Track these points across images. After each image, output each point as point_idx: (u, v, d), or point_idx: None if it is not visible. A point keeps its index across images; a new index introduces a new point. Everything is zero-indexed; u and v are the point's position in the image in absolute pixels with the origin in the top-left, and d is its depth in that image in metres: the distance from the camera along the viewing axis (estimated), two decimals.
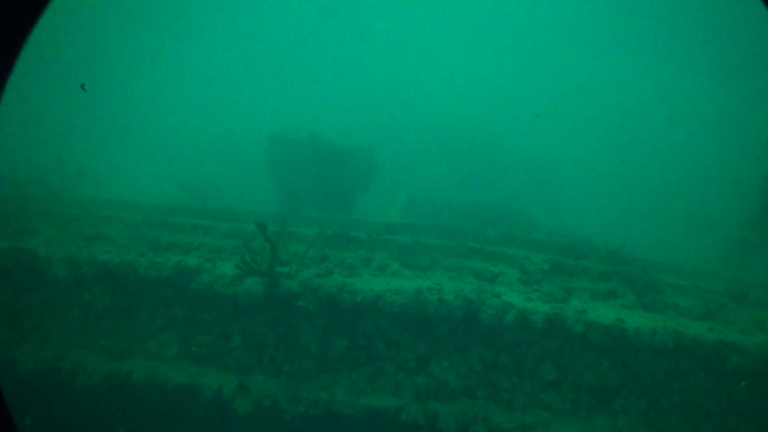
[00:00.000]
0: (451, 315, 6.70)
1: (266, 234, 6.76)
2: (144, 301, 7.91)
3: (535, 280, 7.52)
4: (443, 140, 16.69)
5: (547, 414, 6.84)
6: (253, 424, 7.15)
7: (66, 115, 25.38)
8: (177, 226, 9.86)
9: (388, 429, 6.79)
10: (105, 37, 38.00)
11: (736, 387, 6.82)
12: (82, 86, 27.35)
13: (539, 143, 18.46)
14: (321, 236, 8.40)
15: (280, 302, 7.22)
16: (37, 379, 7.50)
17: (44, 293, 7.90)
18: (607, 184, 15.93)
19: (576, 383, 6.87)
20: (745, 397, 6.89)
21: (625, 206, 13.85)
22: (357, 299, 6.84)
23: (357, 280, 7.22)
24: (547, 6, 41.08)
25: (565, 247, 8.58)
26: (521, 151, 16.65)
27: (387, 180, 13.81)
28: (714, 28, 34.02)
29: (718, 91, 29.83)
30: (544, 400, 6.90)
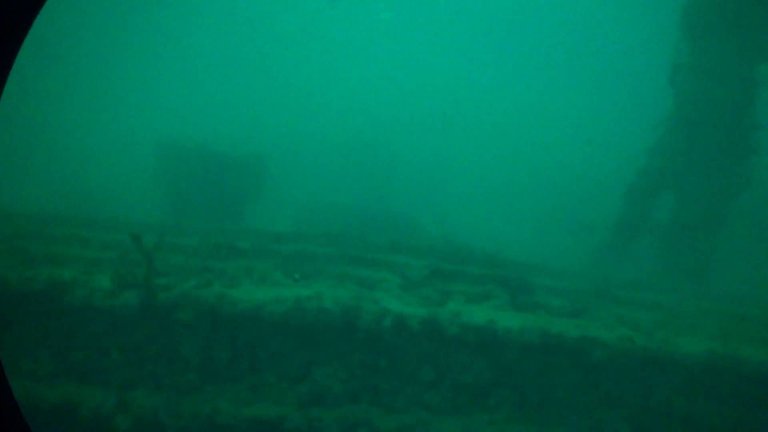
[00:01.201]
0: (330, 322, 6.81)
1: (141, 245, 6.62)
2: (15, 318, 7.52)
3: (414, 285, 7.77)
4: (337, 146, 16.89)
5: (427, 414, 7.08)
6: None
7: None
8: (53, 237, 9.43)
9: None
10: None
11: (600, 378, 7.33)
12: None
13: (432, 149, 18.99)
14: (203, 246, 8.31)
15: (159, 315, 7.08)
16: None
17: None
18: (496, 188, 16.61)
19: (454, 382, 7.15)
20: (609, 388, 7.43)
21: (511, 211, 14.52)
22: (237, 310, 6.82)
23: (238, 290, 7.20)
24: (443, 11, 42.15)
25: (446, 253, 8.92)
26: (414, 156, 17.12)
27: (281, 187, 13.80)
28: (596, 33, 36.33)
29: (600, 97, 31.62)
30: (425, 401, 7.14)
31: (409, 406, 7.12)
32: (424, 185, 15.62)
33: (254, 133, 16.13)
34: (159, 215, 12.06)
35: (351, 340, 7.01)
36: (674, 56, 11.59)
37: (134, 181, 14.01)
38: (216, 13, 39.86)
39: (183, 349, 7.26)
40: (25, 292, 7.33)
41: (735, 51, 10.98)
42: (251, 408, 7.07)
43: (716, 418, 7.99)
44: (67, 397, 7.22)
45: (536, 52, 38.16)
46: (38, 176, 15.90)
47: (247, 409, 6.99)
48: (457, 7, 41.07)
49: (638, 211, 11.19)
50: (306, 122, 17.78)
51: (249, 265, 8.05)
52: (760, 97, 11.14)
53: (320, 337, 7.01)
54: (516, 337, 6.78)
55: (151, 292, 6.89)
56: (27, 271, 7.58)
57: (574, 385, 7.37)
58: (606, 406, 7.67)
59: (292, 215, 12.29)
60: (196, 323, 7.03)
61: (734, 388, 7.88)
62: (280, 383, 7.12)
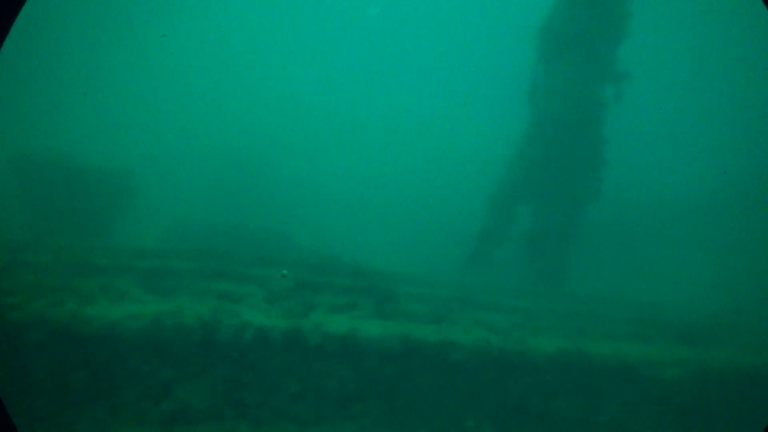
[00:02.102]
0: (190, 337, 6.73)
1: None
2: None
3: (279, 298, 7.81)
4: (215, 161, 16.63)
5: (294, 425, 7.12)
6: None
7: None
8: None
9: None
10: None
11: (461, 379, 7.67)
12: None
13: (308, 162, 19.12)
14: (59, 263, 7.94)
15: (8, 335, 6.69)
16: None
17: None
18: (369, 200, 16.95)
19: (319, 392, 7.24)
20: (470, 388, 7.79)
21: (383, 223, 14.88)
22: (92, 328, 6.58)
23: (93, 308, 6.94)
24: (321, 31, 42.40)
25: (314, 265, 9.03)
26: (293, 172, 17.16)
27: (152, 202, 13.40)
28: None
29: (468, 111, 32.91)
30: (291, 412, 7.18)
31: (276, 419, 7.13)
32: (300, 199, 15.71)
33: (126, 147, 15.60)
34: (17, 232, 11.38)
35: (213, 354, 6.95)
36: (532, 77, 12.41)
37: None
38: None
39: (36, 372, 6.91)
40: None
41: (584, 72, 11.93)
42: (111, 430, 6.83)
43: (569, 411, 8.59)
44: None
45: (406, 67, 39.33)
46: None
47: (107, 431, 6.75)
48: (315, 22, 41.52)
49: (500, 220, 11.87)
50: (180, 136, 17.41)
51: (107, 282, 7.77)
52: (607, 114, 12.15)
53: (181, 353, 6.89)
54: (377, 344, 6.98)
55: None
56: None
57: (437, 388, 7.67)
58: (468, 405, 8.04)
59: (162, 231, 11.96)
60: (49, 343, 6.71)
61: (585, 381, 8.52)
62: (140, 403, 6.92)
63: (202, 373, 6.99)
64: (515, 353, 7.77)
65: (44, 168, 11.94)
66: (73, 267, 8.04)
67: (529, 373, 8.02)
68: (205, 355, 6.93)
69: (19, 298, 6.93)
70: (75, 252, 8.63)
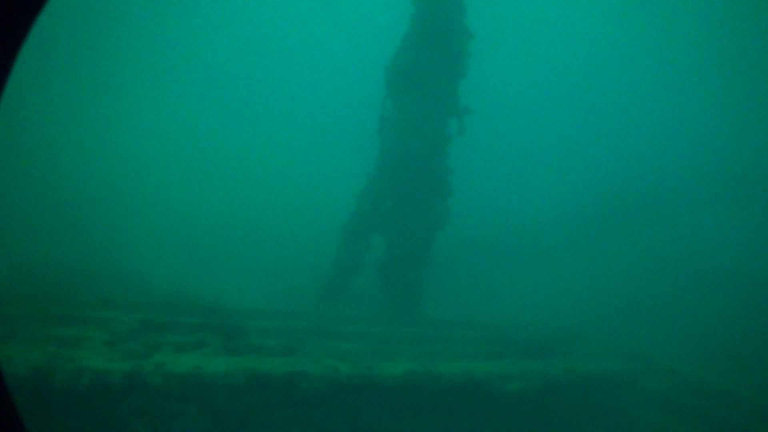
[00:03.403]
0: (22, 388, 6.34)
1: None
2: None
3: (122, 340, 7.56)
4: (60, 200, 15.76)
5: None
6: None
7: None
8: None
9: None
10: None
11: (310, 409, 7.74)
12: None
13: (161, 201, 18.58)
14: None
15: None
16: None
17: None
18: (220, 237, 16.72)
19: None
20: (319, 417, 7.88)
21: (240, 258, 14.76)
22: None
23: None
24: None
25: (162, 305, 8.83)
26: (141, 207, 16.64)
27: None
28: None
29: (320, 142, 33.47)
30: None
31: None
32: (149, 236, 15.21)
33: None
34: None
35: (46, 403, 6.57)
36: (381, 110, 12.96)
37: None
38: None
39: None
40: None
41: (429, 107, 12.65)
42: None
43: (422, 431, 8.90)
44: None
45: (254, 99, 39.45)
46: None
47: None
48: None
49: (353, 250, 12.17)
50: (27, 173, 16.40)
51: None
52: (451, 146, 12.91)
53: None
54: (222, 380, 6.92)
55: None
56: None
57: (288, 419, 7.70)
58: None
59: None
60: None
61: (435, 400, 8.87)
62: None
63: (33, 425, 6.58)
64: (365, 379, 7.97)
65: None
66: None
67: (379, 398, 8.25)
68: (37, 405, 6.54)
69: None
70: None
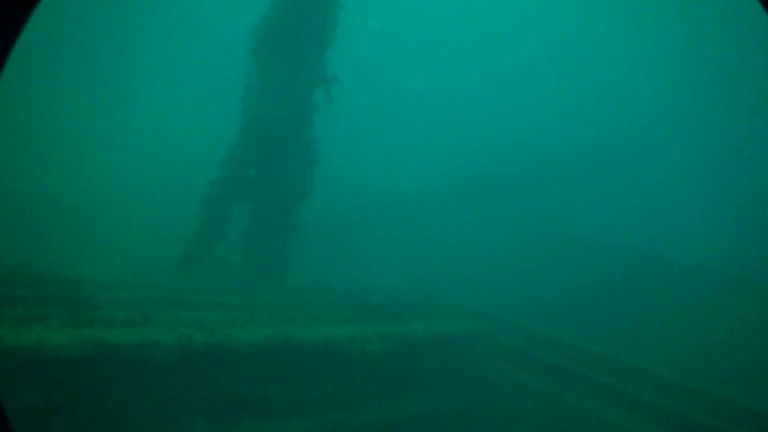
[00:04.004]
0: None
1: None
2: None
3: None
4: None
5: None
6: None
7: None
8: None
9: None
10: None
11: (164, 379, 7.63)
12: None
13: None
14: None
15: None
16: None
17: None
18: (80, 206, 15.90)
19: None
20: (176, 386, 7.79)
21: (95, 228, 14.11)
22: None
23: None
24: None
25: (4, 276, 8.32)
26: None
27: None
28: None
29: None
30: None
31: None
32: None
33: None
34: None
35: None
36: (245, 78, 12.74)
37: None
38: None
39: None
40: None
41: (294, 75, 12.58)
42: None
43: (285, 395, 9.05)
44: None
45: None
46: None
47: None
48: None
49: (214, 220, 11.99)
50: None
51: None
52: (317, 114, 12.97)
53: None
54: (65, 352, 6.66)
55: None
56: None
57: (143, 390, 7.55)
58: (179, 406, 8.04)
59: None
60: None
61: (296, 365, 9.03)
62: None
63: None
64: (221, 346, 7.97)
65: None
66: None
67: (237, 365, 8.28)
68: None
69: None
70: None
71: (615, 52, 38.38)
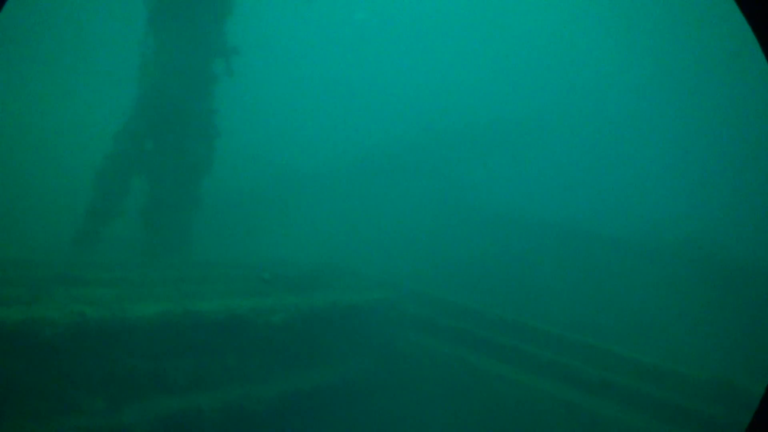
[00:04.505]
0: None
1: None
2: None
3: None
4: None
5: None
6: None
7: None
8: None
9: None
10: None
11: (53, 358, 7.38)
12: None
13: None
14: None
15: None
16: None
17: None
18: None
19: None
20: (67, 365, 7.55)
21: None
22: None
23: None
24: None
25: None
26: None
27: None
28: None
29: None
30: None
31: None
32: None
33: None
34: None
35: None
36: (141, 48, 12.26)
37: None
38: None
39: None
40: None
41: (191, 45, 12.22)
42: None
43: (182, 371, 8.93)
44: None
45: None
46: None
47: None
48: None
49: (110, 195, 11.57)
50: None
51: None
52: (217, 86, 12.67)
53: None
54: None
55: None
56: None
57: (32, 369, 7.28)
58: (75, 384, 7.81)
59: None
60: None
61: (196, 339, 8.93)
62: None
63: None
64: (117, 322, 7.78)
65: None
66: None
67: (134, 341, 8.10)
68: None
69: None
70: None
71: (533, 21, 39.02)
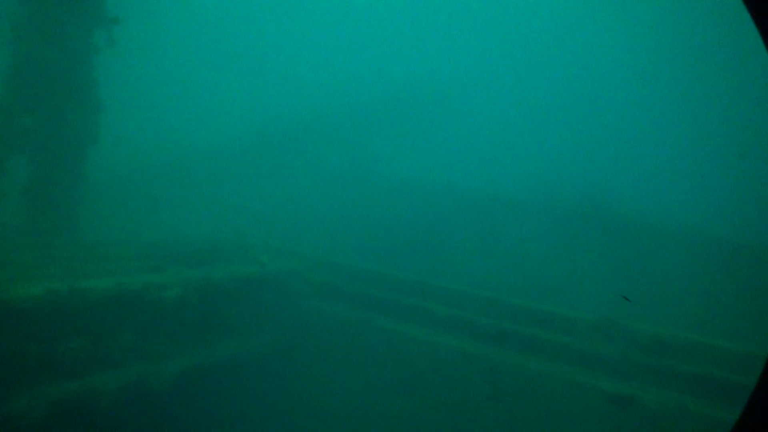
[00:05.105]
0: None
1: None
2: None
3: None
4: None
5: None
6: None
7: None
8: None
9: None
10: None
11: None
12: None
13: None
14: None
15: None
16: None
17: None
18: None
19: None
20: None
21: None
22: None
23: None
24: None
25: None
26: None
27: None
28: None
29: None
30: None
31: None
32: None
33: None
34: None
35: None
36: (12, 19, 11.45)
37: None
38: None
39: None
40: None
41: (67, 14, 11.52)
42: None
43: (76, 353, 8.60)
44: None
45: None
46: None
47: None
48: None
49: None
50: None
51: None
52: (100, 57, 12.03)
53: None
54: None
55: None
56: None
57: None
58: None
59: None
60: None
61: (87, 318, 8.60)
62: None
63: None
64: None
65: None
66: None
67: (18, 324, 7.72)
68: None
69: None
70: None
71: None
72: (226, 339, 11.13)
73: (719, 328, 11.57)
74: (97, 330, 8.82)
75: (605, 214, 18.37)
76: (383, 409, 11.25)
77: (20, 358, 8.00)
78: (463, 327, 10.91)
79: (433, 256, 17.20)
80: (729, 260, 15.47)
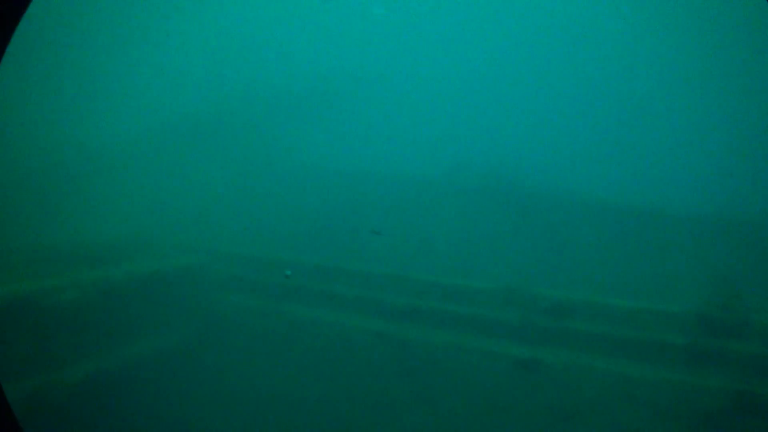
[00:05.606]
0: None
1: None
2: None
3: None
4: None
5: None
6: None
7: None
8: None
9: None
10: None
11: None
12: None
13: None
14: None
15: None
16: None
17: None
18: None
19: None
20: None
21: None
22: None
23: None
24: None
25: None
26: None
27: None
28: None
29: None
30: None
31: None
32: None
33: None
34: None
35: None
36: None
37: None
38: None
39: None
40: None
41: None
42: None
43: None
44: None
45: None
46: None
47: None
48: None
49: None
50: None
51: None
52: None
53: None
54: None
55: None
56: None
57: None
58: None
59: None
60: None
61: None
62: None
63: None
64: None
65: None
66: None
67: None
68: None
69: None
70: None
71: None
72: (132, 339, 10.81)
73: (623, 290, 12.12)
74: None
75: (513, 190, 18.89)
76: (302, 395, 11.26)
77: None
78: (373, 307, 11.03)
79: (347, 241, 17.23)
80: (630, 228, 16.26)
